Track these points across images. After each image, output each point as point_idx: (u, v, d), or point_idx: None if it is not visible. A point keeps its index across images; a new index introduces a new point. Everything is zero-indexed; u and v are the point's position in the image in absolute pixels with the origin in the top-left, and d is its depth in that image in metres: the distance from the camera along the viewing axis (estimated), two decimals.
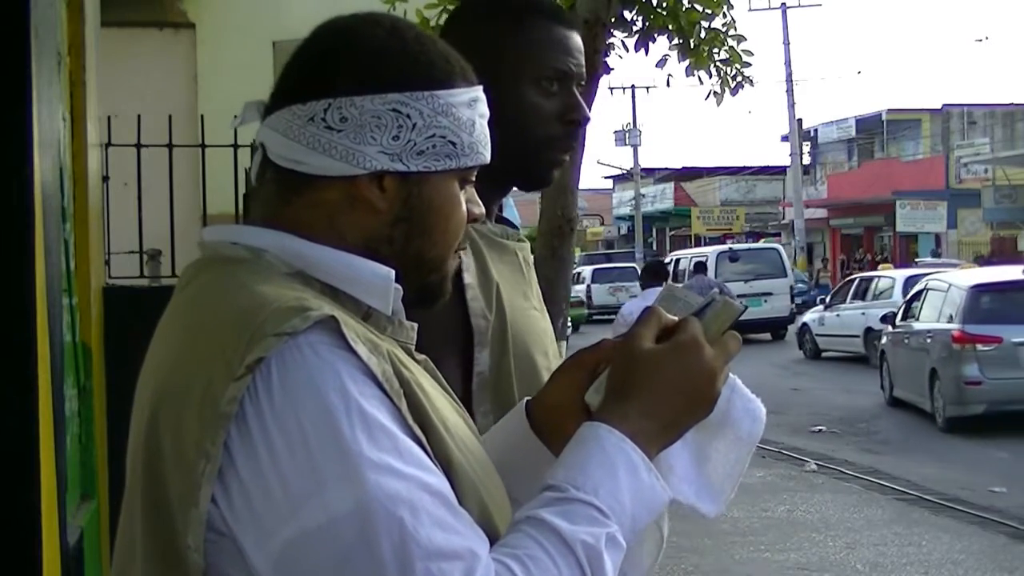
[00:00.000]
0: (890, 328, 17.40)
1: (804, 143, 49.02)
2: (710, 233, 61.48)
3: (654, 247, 67.59)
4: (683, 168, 68.98)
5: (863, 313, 22.50)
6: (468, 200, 1.41)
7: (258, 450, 1.19)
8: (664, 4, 7.71)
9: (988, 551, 9.08)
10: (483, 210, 1.45)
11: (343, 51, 1.36)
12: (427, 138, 1.33)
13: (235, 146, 5.81)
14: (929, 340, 15.24)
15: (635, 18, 7.76)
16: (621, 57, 8.11)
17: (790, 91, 43.48)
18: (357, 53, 1.35)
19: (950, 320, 14.93)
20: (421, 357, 1.38)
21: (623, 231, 69.02)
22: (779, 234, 54.44)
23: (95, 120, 4.64)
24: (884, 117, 50.24)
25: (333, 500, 1.17)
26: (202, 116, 6.12)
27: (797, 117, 44.31)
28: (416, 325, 1.39)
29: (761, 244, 37.14)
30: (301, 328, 1.21)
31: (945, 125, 47.23)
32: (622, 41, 7.81)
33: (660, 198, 64.99)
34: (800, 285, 34.90)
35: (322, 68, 1.35)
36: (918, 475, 12.02)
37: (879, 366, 17.82)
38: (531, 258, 2.07)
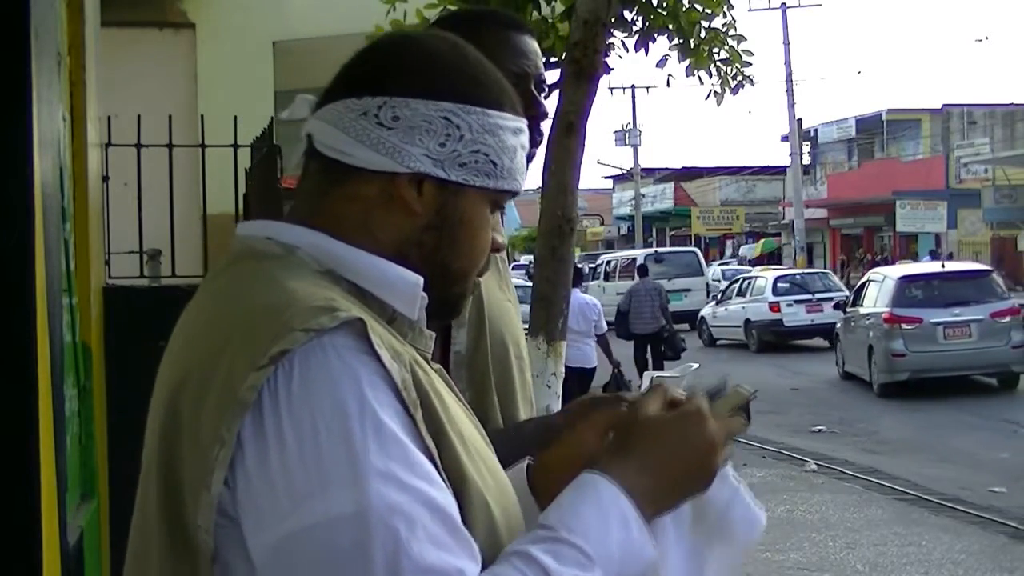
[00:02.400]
0: (842, 314, 21.11)
1: (804, 143, 49.00)
2: (710, 233, 61.56)
3: (654, 247, 67.65)
4: (683, 168, 69.03)
5: (743, 308, 27.90)
6: (494, 227, 1.45)
7: (268, 442, 1.21)
8: (664, 4, 7.72)
9: (988, 551, 9.08)
10: (505, 241, 1.53)
11: (405, 54, 1.40)
12: (471, 152, 1.37)
13: (235, 146, 5.81)
14: (868, 322, 19.01)
15: (635, 18, 7.77)
16: (621, 57, 8.10)
17: (790, 91, 43.47)
18: (418, 58, 1.39)
19: (884, 304, 18.69)
20: (436, 366, 1.40)
21: (623, 231, 69.02)
22: (779, 234, 54.48)
23: (95, 120, 4.64)
24: (884, 117, 50.28)
25: (334, 502, 1.18)
26: (202, 116, 6.12)
27: (797, 117, 44.29)
28: (434, 335, 1.41)
29: (682, 248, 42.44)
30: (328, 327, 1.23)
31: (945, 125, 47.26)
32: (622, 41, 7.81)
33: (660, 198, 65.02)
34: None
35: (383, 67, 1.39)
36: (918, 475, 12.02)
37: (833, 346, 21.45)
38: (505, 257, 2.20)
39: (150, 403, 1.37)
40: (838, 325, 21.27)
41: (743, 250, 55.49)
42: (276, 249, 1.35)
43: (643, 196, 59.95)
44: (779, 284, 28.23)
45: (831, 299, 26.25)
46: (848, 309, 20.79)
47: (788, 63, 43.20)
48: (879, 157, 51.00)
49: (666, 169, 70.67)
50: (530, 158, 2.04)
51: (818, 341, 26.42)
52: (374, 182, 1.36)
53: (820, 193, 51.66)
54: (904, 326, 18.08)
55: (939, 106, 48.31)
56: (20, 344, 2.47)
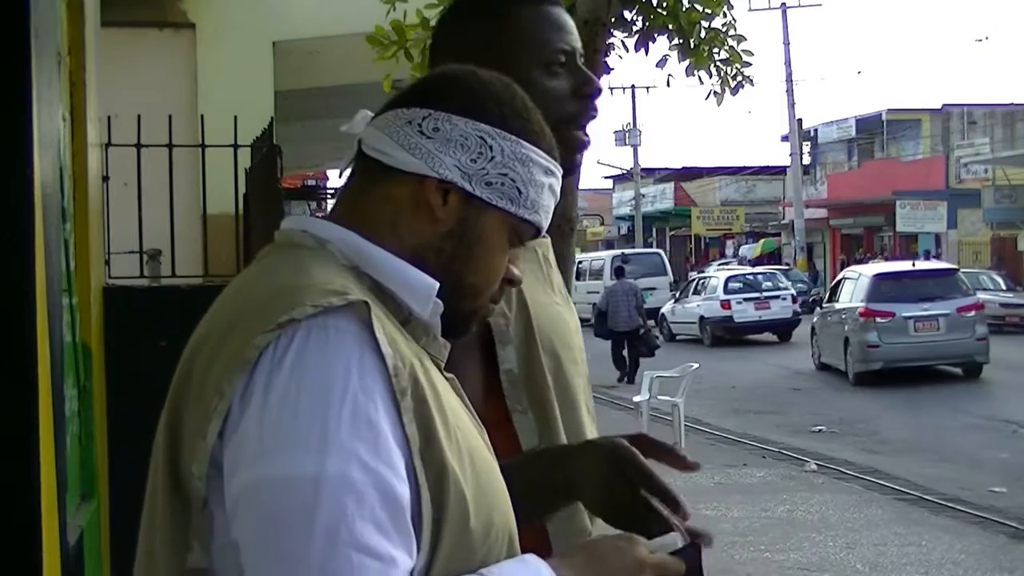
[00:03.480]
0: (819, 309, 23.38)
1: (804, 143, 49.01)
2: (710, 233, 61.54)
3: (654, 247, 67.64)
4: (683, 168, 68.97)
5: (698, 305, 30.27)
6: (512, 260, 1.53)
7: (254, 398, 1.30)
8: (664, 4, 7.71)
9: (988, 551, 9.09)
10: (521, 276, 1.54)
11: (460, 79, 1.52)
12: (499, 174, 1.46)
13: (235, 146, 5.81)
14: (844, 316, 20.90)
15: (635, 18, 7.75)
16: (621, 57, 8.08)
17: (790, 91, 43.48)
18: (470, 83, 1.51)
19: (859, 300, 20.59)
20: (450, 376, 1.47)
21: (623, 231, 69.00)
22: (779, 234, 54.46)
23: (95, 120, 4.64)
24: (884, 117, 50.24)
25: (295, 463, 1.26)
26: (202, 116, 6.12)
27: (797, 117, 44.31)
28: (449, 344, 1.48)
29: (647, 250, 45.16)
30: (336, 304, 1.32)
31: (945, 125, 47.23)
32: (622, 41, 7.80)
33: (660, 198, 64.99)
34: (800, 285, 35.61)
35: (435, 87, 1.51)
36: (918, 475, 12.03)
37: (811, 338, 23.24)
38: (551, 254, 2.07)
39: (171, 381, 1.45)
40: (814, 320, 23.35)
41: (743, 250, 55.47)
42: (310, 241, 1.45)
43: (643, 196, 59.93)
44: (730, 283, 30.46)
45: (779, 297, 29.48)
46: (824, 305, 23.04)
47: (788, 63, 43.22)
48: (879, 157, 50.97)
49: (666, 169, 70.63)
50: (583, 145, 1.96)
51: (767, 336, 29.22)
52: (406, 184, 1.45)
53: (820, 193, 51.62)
54: (878, 320, 19.94)
55: (939, 106, 48.26)
56: (20, 344, 2.47)
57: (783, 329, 29.42)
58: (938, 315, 20.01)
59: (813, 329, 23.08)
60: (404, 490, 1.30)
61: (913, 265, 23.56)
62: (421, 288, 1.44)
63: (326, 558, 1.24)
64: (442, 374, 1.44)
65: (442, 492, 1.33)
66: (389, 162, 1.46)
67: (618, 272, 22.32)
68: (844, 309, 21.10)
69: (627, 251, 42.47)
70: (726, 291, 29.94)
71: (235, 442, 1.30)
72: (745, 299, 29.38)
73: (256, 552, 1.27)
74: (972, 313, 20.20)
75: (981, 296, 25.38)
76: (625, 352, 21.54)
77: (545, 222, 1.52)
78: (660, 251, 43.56)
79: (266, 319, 1.31)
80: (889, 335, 19.78)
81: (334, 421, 1.27)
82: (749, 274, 32.14)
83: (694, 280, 33.14)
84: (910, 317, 19.91)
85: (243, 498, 1.28)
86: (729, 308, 29.48)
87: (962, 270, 27.14)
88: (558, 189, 1.54)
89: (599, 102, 1.96)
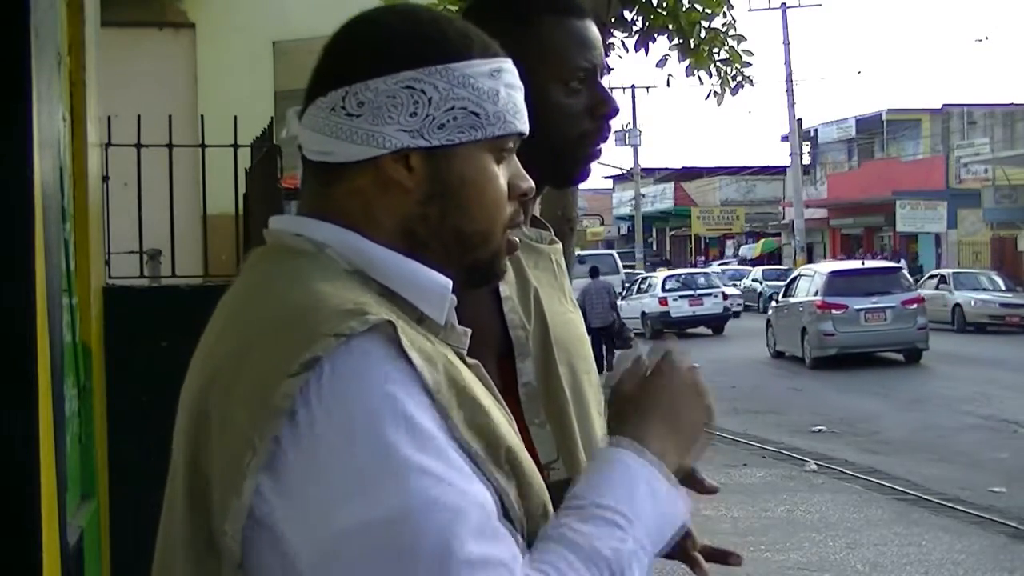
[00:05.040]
0: (773, 303, 26.66)
1: (804, 143, 49.00)
2: (710, 233, 61.58)
3: (654, 247, 67.64)
4: (683, 168, 69.03)
5: (641, 302, 33.61)
6: (513, 175, 1.41)
7: (307, 447, 1.20)
8: (664, 4, 7.72)
9: (988, 551, 9.08)
10: (531, 184, 1.43)
11: (356, 39, 1.39)
12: (446, 111, 1.34)
13: (235, 146, 5.81)
14: (801, 309, 23.92)
15: (635, 18, 7.77)
16: (621, 57, 8.10)
17: (790, 91, 43.46)
18: (369, 39, 1.37)
19: (815, 294, 23.75)
20: (472, 362, 1.39)
21: (623, 231, 69.06)
22: (779, 234, 54.48)
23: (95, 120, 4.64)
24: (884, 117, 50.26)
25: (376, 502, 1.18)
26: (202, 116, 6.12)
27: (797, 117, 44.29)
28: (469, 331, 1.40)
29: (601, 251, 46.20)
30: (358, 331, 1.22)
31: (945, 125, 47.25)
32: (622, 41, 7.82)
33: (660, 198, 65.03)
34: None
35: (338, 58, 1.38)
36: (918, 475, 12.03)
37: (766, 330, 26.26)
38: (563, 261, 2.03)
39: (180, 396, 1.37)
40: (769, 313, 26.70)
41: (743, 250, 55.55)
42: (306, 246, 1.35)
43: (643, 196, 59.96)
44: (668, 283, 34.03)
45: (711, 295, 33.02)
46: (779, 299, 26.18)
47: (788, 63, 43.21)
48: (879, 157, 50.98)
49: (666, 169, 70.67)
50: (594, 157, 1.91)
51: (702, 329, 32.44)
52: (363, 173, 1.35)
53: (820, 193, 51.63)
54: (833, 311, 23.02)
55: (939, 106, 48.28)
56: (20, 344, 2.47)
57: (715, 324, 32.83)
58: (885, 307, 23.11)
59: (768, 321, 26.22)
60: (486, 493, 1.24)
61: (863, 264, 27.78)
62: (434, 289, 1.35)
63: None
64: (465, 362, 1.36)
65: (520, 478, 1.30)
66: (334, 159, 1.35)
67: (592, 272, 23.34)
68: (801, 303, 24.17)
69: (582, 252, 43.65)
70: (664, 289, 33.47)
71: (296, 497, 1.20)
72: (680, 296, 32.79)
73: None
74: (914, 306, 23.44)
75: (981, 296, 30.43)
76: (603, 346, 22.69)
77: (520, 123, 1.39)
78: (614, 252, 45.00)
79: (285, 358, 1.21)
80: (843, 324, 22.90)
81: (395, 446, 1.19)
82: (684, 275, 35.41)
83: (638, 280, 36.44)
84: (861, 309, 22.96)
85: (329, 553, 1.18)
86: (666, 304, 32.80)
87: (962, 270, 31.55)
88: (515, 78, 1.40)
89: (611, 125, 1.93)
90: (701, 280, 34.49)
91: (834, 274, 24.63)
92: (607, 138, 1.91)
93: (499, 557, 1.20)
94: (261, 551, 1.22)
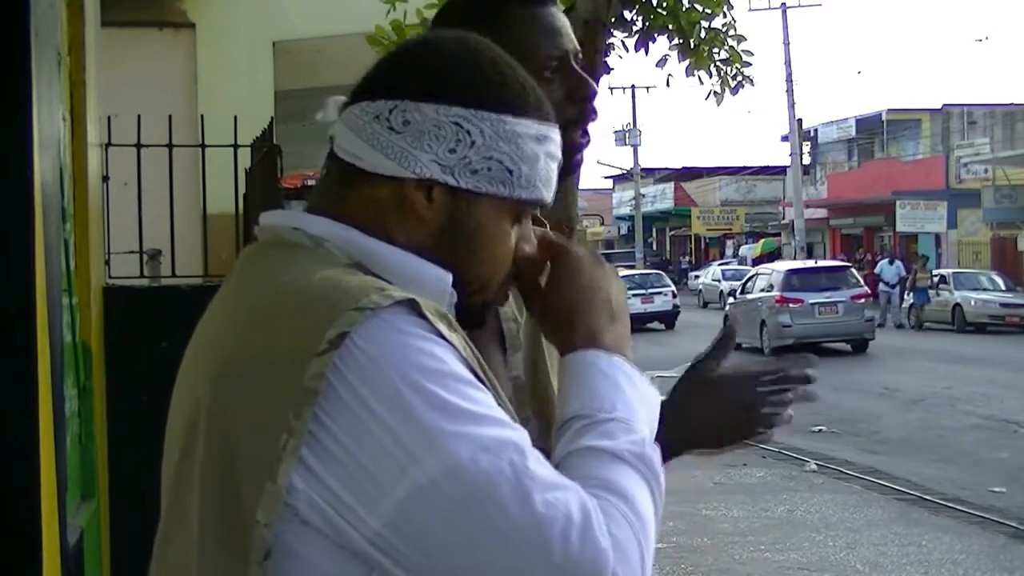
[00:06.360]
0: (732, 299, 30.03)
1: (804, 143, 48.99)
2: (710, 233, 61.56)
3: (654, 247, 67.65)
4: (683, 168, 69.01)
5: None
6: (521, 237, 1.43)
7: (356, 419, 1.21)
8: (664, 4, 7.72)
9: (988, 551, 9.08)
10: (535, 249, 1.46)
11: (420, 58, 1.39)
12: (484, 158, 1.35)
13: (235, 146, 5.81)
14: (760, 304, 26.60)
15: (635, 18, 7.77)
16: (621, 57, 8.10)
17: (790, 91, 43.44)
18: (432, 62, 1.37)
19: (773, 290, 26.70)
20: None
21: (623, 231, 69.06)
22: (779, 234, 54.45)
23: (95, 120, 4.64)
24: (884, 117, 50.24)
25: (446, 455, 1.19)
26: (202, 116, 6.12)
27: (797, 117, 44.27)
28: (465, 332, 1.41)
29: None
30: (382, 304, 1.24)
31: (945, 125, 47.23)
32: (622, 41, 7.81)
33: (660, 198, 65.01)
34: None
35: (397, 71, 1.38)
36: (918, 475, 12.03)
37: (723, 324, 26.86)
38: None
39: (171, 399, 1.36)
40: (727, 308, 30.16)
41: (743, 250, 55.49)
42: (304, 240, 1.35)
43: (643, 196, 59.96)
44: None
45: (661, 293, 35.12)
46: (738, 295, 29.36)
47: (788, 63, 43.19)
48: (879, 157, 50.96)
49: (666, 169, 70.65)
50: (582, 147, 1.88)
51: (655, 324, 34.34)
52: (385, 186, 1.35)
53: (820, 193, 51.61)
54: (791, 305, 25.88)
55: (939, 106, 48.25)
56: (20, 344, 2.47)
57: (666, 319, 35.05)
58: (837, 301, 25.86)
59: (726, 317, 28.37)
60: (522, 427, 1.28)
61: (815, 262, 31.99)
62: (433, 282, 1.35)
63: (531, 517, 1.20)
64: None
65: None
66: (362, 165, 1.35)
67: None
68: (759, 298, 26.98)
69: None
70: None
71: (353, 472, 1.20)
72: (634, 294, 33.46)
73: (462, 554, 1.20)
74: (862, 300, 26.33)
75: (981, 296, 31.06)
76: None
77: (547, 194, 1.41)
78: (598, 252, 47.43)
79: (310, 338, 1.22)
80: (799, 317, 25.71)
81: (449, 397, 1.22)
82: (636, 275, 37.22)
83: None
84: (815, 303, 25.81)
85: (405, 512, 1.19)
86: None
87: (962, 270, 32.82)
88: (557, 151, 1.42)
89: (598, 102, 1.92)
90: (653, 279, 36.72)
91: (790, 272, 27.53)
92: (595, 118, 1.90)
93: (563, 480, 1.25)
94: (298, 539, 1.22)
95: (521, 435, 1.25)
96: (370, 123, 1.35)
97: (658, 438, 1.45)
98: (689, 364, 1.78)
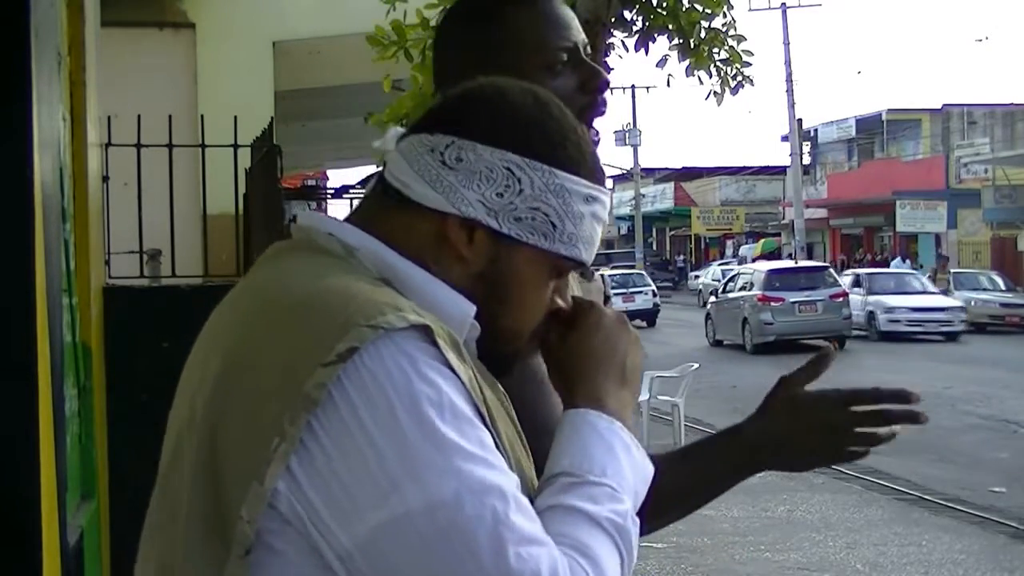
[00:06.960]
0: (713, 298, 30.73)
1: (804, 143, 48.98)
2: (710, 233, 61.57)
3: (654, 247, 67.66)
4: (683, 168, 69.01)
5: None
6: (556, 292, 1.43)
7: (348, 436, 1.21)
8: (664, 4, 7.71)
9: (988, 551, 9.09)
10: (568, 305, 1.46)
11: (484, 100, 1.40)
12: (530, 208, 1.35)
13: (235, 146, 5.81)
14: (742, 302, 27.66)
15: (635, 18, 7.76)
16: (621, 57, 8.10)
17: (790, 91, 43.43)
18: (496, 106, 1.38)
19: (753, 288, 27.81)
20: (502, 392, 1.40)
21: (623, 231, 69.03)
22: (779, 234, 54.47)
23: (95, 120, 4.64)
24: (884, 117, 50.27)
25: (428, 488, 1.19)
26: (202, 116, 6.12)
27: (797, 117, 44.25)
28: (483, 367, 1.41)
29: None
30: (396, 326, 1.23)
31: (945, 125, 47.26)
32: (622, 41, 7.80)
33: (660, 198, 65.02)
34: None
35: (460, 109, 1.39)
36: (918, 475, 12.03)
37: (705, 322, 30.21)
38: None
39: (178, 385, 1.36)
40: (709, 306, 30.78)
41: (743, 250, 55.50)
42: (336, 247, 1.36)
43: (643, 196, 59.92)
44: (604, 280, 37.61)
45: (642, 292, 36.49)
46: (719, 295, 30.19)
47: (788, 63, 43.18)
48: (879, 157, 50.98)
49: (666, 169, 70.66)
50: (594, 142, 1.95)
51: (637, 322, 33.44)
52: (428, 219, 1.35)
53: (820, 193, 51.63)
54: (772, 303, 26.84)
55: (939, 106, 48.28)
56: (20, 344, 2.47)
57: (648, 317, 35.94)
58: (816, 300, 27.07)
59: (709, 315, 29.79)
60: (516, 478, 1.27)
61: (795, 262, 33.43)
62: (456, 312, 1.34)
63: (502, 568, 1.19)
64: (491, 390, 1.36)
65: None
66: (409, 194, 1.36)
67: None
68: (741, 297, 27.93)
69: None
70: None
71: (336, 486, 1.20)
72: (616, 293, 34.28)
73: None
74: (840, 299, 27.43)
75: (981, 296, 31.30)
76: None
77: (587, 254, 1.41)
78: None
79: (320, 346, 1.22)
80: (780, 315, 26.68)
81: (444, 431, 1.21)
82: (617, 275, 37.86)
83: None
84: (796, 301, 26.86)
85: (378, 538, 1.19)
86: None
87: (962, 270, 33.13)
88: (604, 214, 1.43)
89: (607, 96, 1.92)
90: (635, 279, 38.19)
91: (771, 272, 28.68)
92: (604, 112, 1.90)
93: (542, 536, 1.24)
94: (280, 537, 1.22)
95: (510, 481, 1.24)
96: (424, 154, 1.36)
97: (740, 451, 1.55)
98: (777, 379, 1.79)
